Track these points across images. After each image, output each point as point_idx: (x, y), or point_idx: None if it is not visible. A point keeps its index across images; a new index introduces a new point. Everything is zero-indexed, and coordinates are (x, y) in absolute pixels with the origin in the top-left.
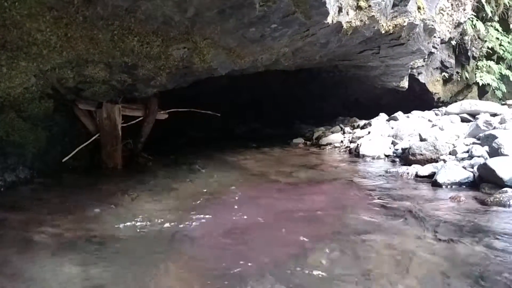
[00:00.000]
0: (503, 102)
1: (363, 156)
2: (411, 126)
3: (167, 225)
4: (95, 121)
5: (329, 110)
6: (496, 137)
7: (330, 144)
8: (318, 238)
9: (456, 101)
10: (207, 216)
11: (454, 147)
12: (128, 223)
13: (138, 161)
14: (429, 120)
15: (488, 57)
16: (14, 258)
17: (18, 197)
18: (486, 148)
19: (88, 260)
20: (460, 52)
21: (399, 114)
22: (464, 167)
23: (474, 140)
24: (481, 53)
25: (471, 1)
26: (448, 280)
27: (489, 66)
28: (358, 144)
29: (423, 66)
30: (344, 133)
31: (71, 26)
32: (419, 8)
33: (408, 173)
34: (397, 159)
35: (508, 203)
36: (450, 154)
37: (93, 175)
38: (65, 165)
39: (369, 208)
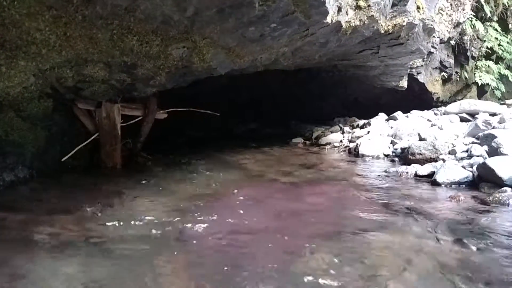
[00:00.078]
0: (502, 102)
1: (363, 155)
2: (411, 126)
3: (166, 225)
4: (94, 121)
5: (328, 110)
6: (495, 137)
7: (329, 143)
8: (318, 238)
9: (455, 101)
10: (206, 216)
11: (454, 146)
12: (127, 223)
13: (137, 160)
14: (428, 120)
15: (487, 57)
16: (13, 257)
17: (17, 196)
18: (485, 147)
19: (87, 260)
20: (459, 52)
21: (398, 114)
22: (463, 167)
23: (473, 139)
24: (480, 53)
25: (470, 1)
26: (448, 279)
27: (488, 66)
28: (357, 144)
29: (422, 66)
30: (343, 132)
31: (70, 25)
32: (418, 8)
33: (407, 173)
34: (397, 159)
35: (507, 202)
36: (449, 153)
37: (92, 175)
38: (64, 165)
39: (369, 207)
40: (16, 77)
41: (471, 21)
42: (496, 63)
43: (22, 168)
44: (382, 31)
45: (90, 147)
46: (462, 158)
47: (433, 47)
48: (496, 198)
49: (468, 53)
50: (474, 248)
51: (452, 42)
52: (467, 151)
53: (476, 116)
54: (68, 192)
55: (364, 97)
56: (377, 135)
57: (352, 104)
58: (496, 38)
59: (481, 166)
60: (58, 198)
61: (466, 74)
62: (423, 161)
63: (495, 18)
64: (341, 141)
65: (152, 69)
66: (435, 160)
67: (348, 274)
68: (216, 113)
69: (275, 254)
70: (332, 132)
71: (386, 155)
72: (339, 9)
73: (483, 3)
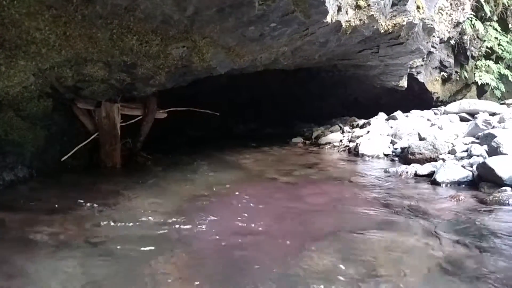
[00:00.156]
0: (502, 102)
1: (362, 155)
2: (410, 126)
3: (166, 225)
4: (94, 120)
5: (328, 110)
6: (495, 136)
7: (329, 143)
8: (318, 237)
9: (455, 101)
10: (207, 216)
11: (453, 146)
12: (127, 223)
13: (137, 160)
14: (428, 120)
15: (487, 56)
16: (13, 257)
17: (16, 196)
18: (485, 147)
19: (87, 259)
20: (459, 51)
21: (398, 114)
22: (463, 166)
23: (473, 139)
24: (480, 53)
25: (470, 1)
26: (448, 279)
27: (488, 66)
28: (357, 144)
29: (422, 65)
30: (343, 132)
31: (70, 25)
32: (418, 7)
33: (407, 172)
34: (396, 158)
35: (507, 202)
36: (449, 153)
37: (92, 174)
38: (64, 164)
39: (368, 207)
40: (15, 77)
41: (471, 20)
42: (496, 62)
43: (21, 168)
44: (382, 31)
45: (89, 146)
46: (462, 158)
47: (433, 46)
48: (496, 198)
49: (468, 53)
50: (474, 248)
51: (452, 42)
52: (467, 150)
53: (476, 115)
54: (68, 192)
55: (364, 96)
56: (377, 135)
57: (352, 104)
58: (496, 38)
59: (481, 165)
60: (58, 197)
61: (466, 74)
62: (423, 161)
63: (495, 18)
64: (341, 140)
65: (152, 69)
66: (435, 159)
67: (348, 274)
68: (216, 113)
69: (275, 254)
70: (332, 131)
71: (386, 155)
72: (339, 9)
73: (483, 2)
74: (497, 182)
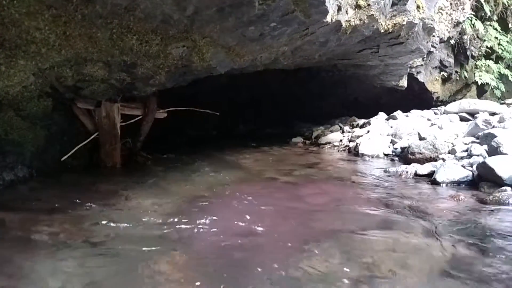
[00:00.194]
0: (502, 101)
1: (362, 155)
2: (410, 125)
3: (166, 225)
4: (94, 120)
5: (328, 109)
6: (495, 136)
7: (329, 143)
8: (318, 237)
9: (455, 100)
10: (207, 216)
11: (453, 146)
12: (127, 223)
13: (137, 160)
14: (428, 119)
15: (487, 56)
16: (12, 257)
17: (16, 196)
18: (485, 147)
19: (87, 259)
20: (459, 51)
21: (398, 113)
22: (463, 166)
23: (473, 139)
24: (480, 52)
25: (470, 1)
26: (448, 279)
27: (488, 66)
28: (357, 143)
29: (422, 65)
30: (343, 132)
31: (70, 25)
32: (418, 7)
33: (407, 172)
34: (396, 158)
35: (507, 201)
36: (449, 153)
37: (92, 174)
38: (64, 164)
39: (368, 207)
40: (15, 76)
41: (471, 20)
42: (496, 62)
43: (21, 167)
44: (382, 30)
45: (89, 146)
46: (462, 158)
47: (433, 46)
48: (496, 198)
49: (468, 53)
50: (474, 247)
51: (452, 42)
52: (467, 150)
53: (476, 115)
54: (68, 192)
55: (364, 96)
56: (377, 135)
57: (352, 104)
58: (496, 38)
59: (481, 165)
60: (58, 197)
61: (465, 74)
62: (423, 161)
63: (495, 18)
64: (341, 140)
65: (152, 68)
66: (435, 159)
67: (349, 275)
68: (216, 113)
69: (276, 254)
70: (332, 131)
71: (386, 155)
72: (339, 8)
73: (483, 2)
74: (497, 182)
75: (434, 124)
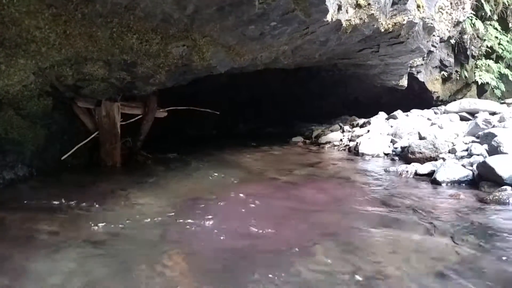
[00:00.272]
0: (502, 101)
1: (362, 154)
2: (411, 125)
3: (166, 225)
4: (94, 119)
5: (328, 109)
6: (495, 136)
7: (329, 142)
8: (317, 237)
9: (455, 100)
10: (207, 215)
11: (453, 145)
12: (127, 222)
13: (137, 159)
14: (428, 119)
15: (487, 56)
16: (12, 256)
17: (16, 195)
18: (485, 146)
19: (86, 259)
20: (459, 51)
21: (398, 113)
22: (463, 166)
23: (473, 138)
24: (480, 52)
25: (470, 0)
26: (448, 278)
27: (488, 65)
28: (357, 143)
29: (422, 64)
30: (343, 131)
31: (70, 24)
32: (418, 6)
33: (407, 172)
34: (396, 158)
35: (507, 201)
36: (449, 152)
37: (92, 173)
38: (64, 163)
39: (369, 206)
40: (15, 75)
41: (471, 20)
42: (496, 62)
43: (21, 167)
44: (382, 30)
45: (89, 145)
46: (462, 157)
47: (433, 46)
48: (496, 197)
49: (468, 52)
50: (474, 246)
51: (452, 41)
52: (467, 150)
53: (476, 115)
54: (68, 191)
55: (364, 96)
56: (377, 134)
57: (352, 103)
58: (496, 37)
59: (481, 165)
60: (58, 196)
61: (466, 73)
62: (423, 160)
63: (495, 17)
64: (341, 140)
65: (152, 68)
66: (435, 159)
67: (351, 275)
68: (216, 112)
69: (277, 254)
70: (332, 131)
71: (386, 154)
72: (339, 8)
73: (483, 2)
74: (497, 181)
75: (434, 124)
